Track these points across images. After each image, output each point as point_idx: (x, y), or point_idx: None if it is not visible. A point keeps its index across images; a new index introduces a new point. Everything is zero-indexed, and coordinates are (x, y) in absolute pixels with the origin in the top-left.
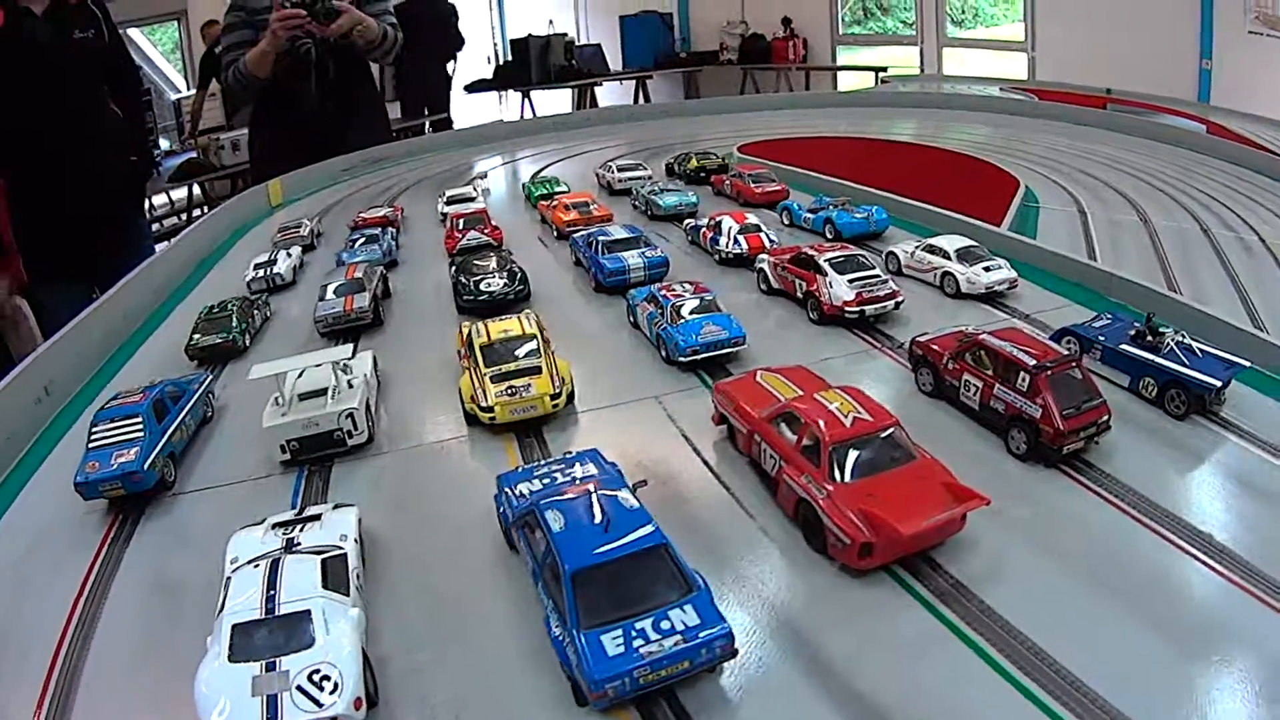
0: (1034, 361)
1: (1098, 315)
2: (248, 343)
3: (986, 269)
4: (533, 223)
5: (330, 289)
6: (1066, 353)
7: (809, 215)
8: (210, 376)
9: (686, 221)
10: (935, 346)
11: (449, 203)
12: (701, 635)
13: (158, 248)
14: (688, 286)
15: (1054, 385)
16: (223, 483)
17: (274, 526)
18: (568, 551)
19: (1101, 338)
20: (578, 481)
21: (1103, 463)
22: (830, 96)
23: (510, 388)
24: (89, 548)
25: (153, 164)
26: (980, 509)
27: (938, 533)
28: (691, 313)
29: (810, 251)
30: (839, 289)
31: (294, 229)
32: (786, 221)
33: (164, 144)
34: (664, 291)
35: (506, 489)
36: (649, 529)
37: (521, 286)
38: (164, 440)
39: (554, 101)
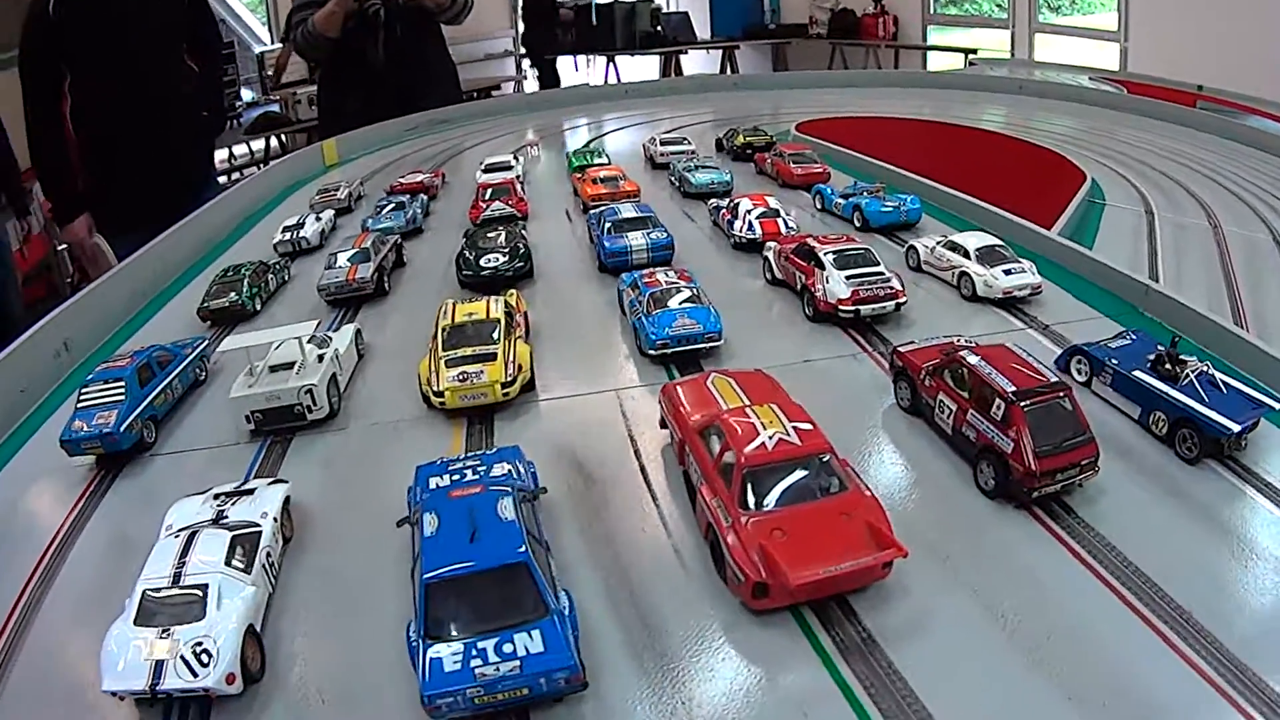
0: (1013, 389)
1: (1121, 332)
2: (258, 307)
3: (1007, 271)
4: (566, 195)
5: (340, 257)
6: (1056, 379)
7: (840, 201)
8: (205, 341)
9: (711, 202)
10: (915, 359)
11: (486, 170)
12: (542, 664)
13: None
14: (672, 274)
15: (1032, 418)
16: (195, 447)
17: (214, 497)
18: (428, 560)
19: (1115, 360)
20: (477, 483)
21: (1084, 508)
22: (917, 76)
23: (462, 373)
24: (69, 499)
25: (224, 120)
26: (917, 553)
27: (848, 580)
28: (670, 303)
29: (812, 243)
30: (835, 285)
31: (332, 191)
32: (818, 206)
33: (246, 95)
34: (645, 279)
35: (419, 484)
36: (514, 545)
37: (523, 264)
38: (144, 404)
39: (640, 68)
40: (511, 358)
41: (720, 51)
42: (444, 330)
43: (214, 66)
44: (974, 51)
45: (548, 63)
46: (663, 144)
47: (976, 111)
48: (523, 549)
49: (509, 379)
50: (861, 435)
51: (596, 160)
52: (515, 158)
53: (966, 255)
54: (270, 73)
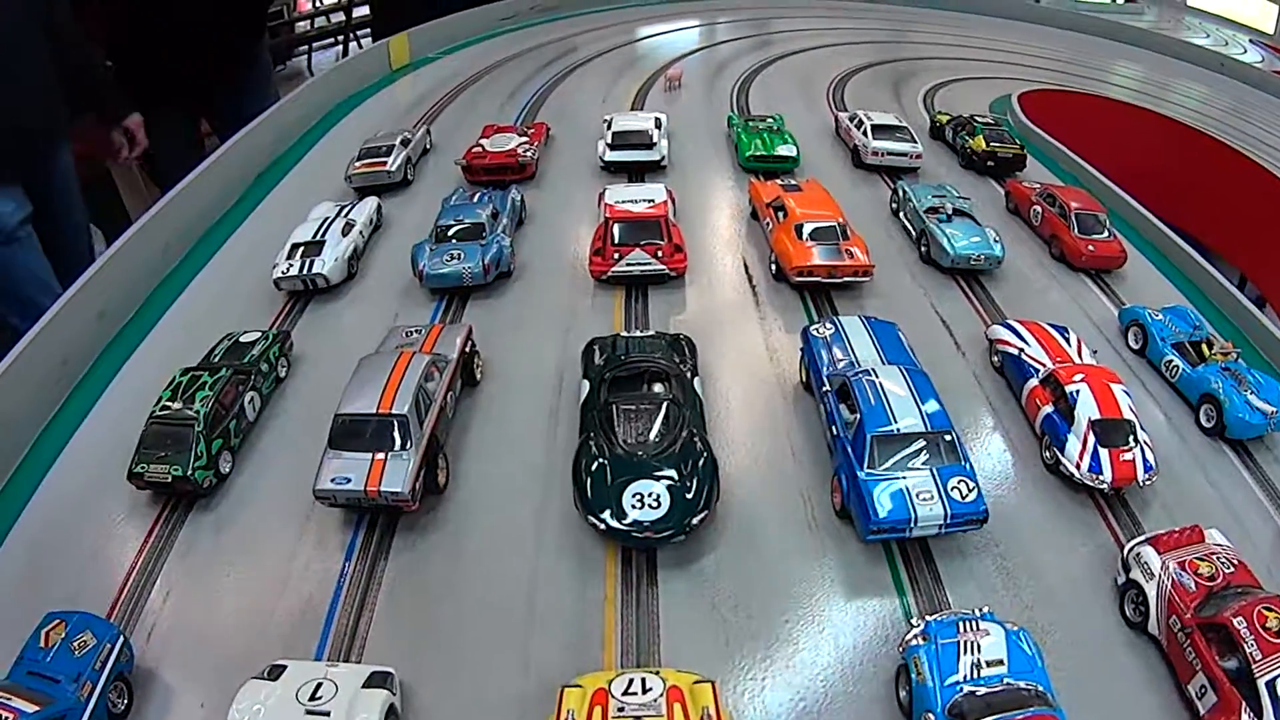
0: None
1: None
2: (224, 469)
3: None
4: (736, 212)
5: (355, 431)
6: None
7: (1174, 361)
8: (119, 646)
9: (994, 332)
10: None
11: (614, 145)
12: None
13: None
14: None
15: None
16: None
17: None
18: None
19: None
20: None
21: None
22: (1069, 18)
23: None
24: None
25: None
26: None
27: None
28: None
29: (1257, 650)
30: None
31: (380, 159)
32: (1136, 345)
33: None
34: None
35: None
36: None
37: (703, 510)
38: None
39: None
40: None
41: None
42: None
43: None
44: None
45: None
46: (875, 133)
47: (1119, 71)
48: None
49: None
50: None
51: (779, 147)
52: (657, 123)
53: None
54: None
